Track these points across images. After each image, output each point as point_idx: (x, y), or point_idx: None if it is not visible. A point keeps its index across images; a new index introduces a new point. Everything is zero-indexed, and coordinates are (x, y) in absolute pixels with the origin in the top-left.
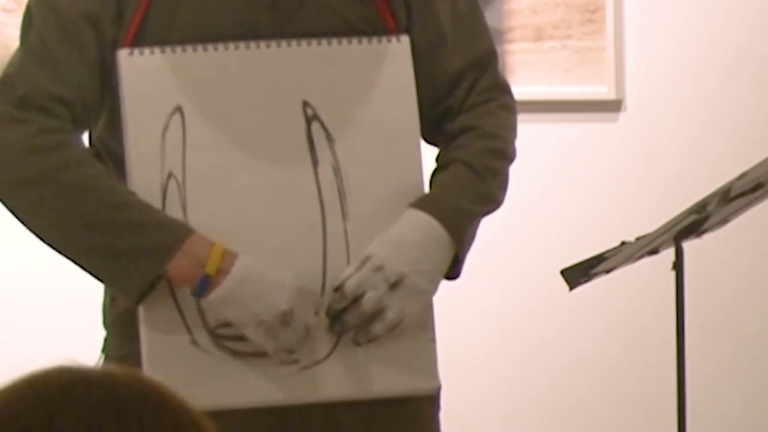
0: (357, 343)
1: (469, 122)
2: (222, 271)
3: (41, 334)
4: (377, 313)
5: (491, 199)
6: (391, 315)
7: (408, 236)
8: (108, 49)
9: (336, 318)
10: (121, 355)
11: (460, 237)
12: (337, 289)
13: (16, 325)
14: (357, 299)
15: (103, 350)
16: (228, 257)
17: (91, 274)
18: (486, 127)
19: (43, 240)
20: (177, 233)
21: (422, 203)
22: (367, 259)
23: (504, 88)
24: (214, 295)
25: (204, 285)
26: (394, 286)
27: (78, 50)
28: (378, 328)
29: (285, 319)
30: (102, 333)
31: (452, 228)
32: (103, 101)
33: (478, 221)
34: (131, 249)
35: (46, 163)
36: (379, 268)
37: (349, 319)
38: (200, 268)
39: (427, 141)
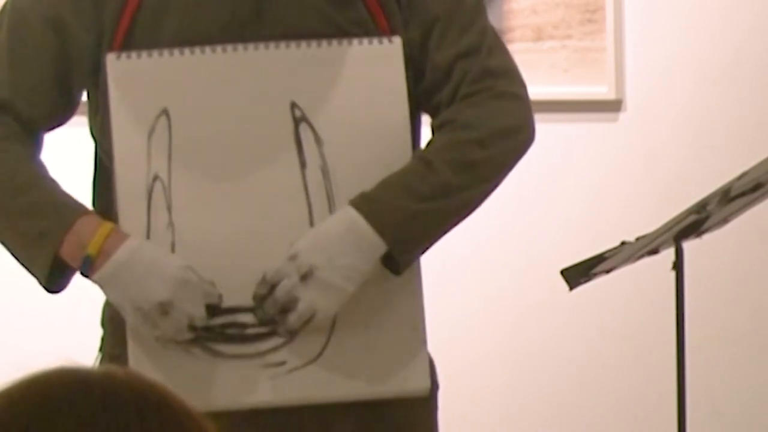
0: (279, 334)
1: (448, 116)
2: (104, 253)
3: (41, 334)
4: (291, 304)
5: (449, 192)
6: (301, 307)
7: (330, 230)
8: (75, 54)
9: (258, 304)
10: (117, 353)
11: (392, 235)
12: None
13: (16, 325)
14: (274, 286)
15: (101, 348)
16: (113, 239)
17: (21, 264)
18: (463, 119)
19: None
20: (69, 214)
21: (356, 200)
22: (290, 247)
23: (500, 75)
24: (95, 277)
25: (86, 266)
26: (305, 277)
27: (36, 53)
28: (291, 319)
29: (162, 308)
30: (100, 333)
31: (380, 226)
32: (66, 106)
33: (441, 215)
34: (32, 233)
35: None
36: (293, 257)
37: (266, 305)
38: (82, 248)
39: None
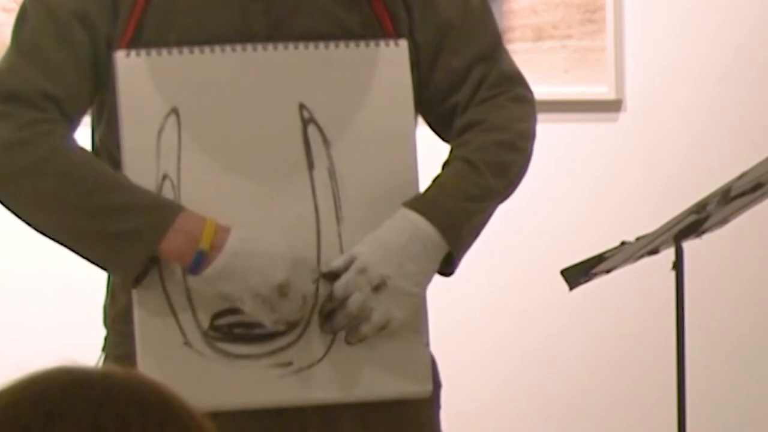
0: (348, 342)
1: (476, 117)
2: (216, 246)
3: (41, 334)
4: (364, 315)
5: (491, 194)
6: (376, 317)
7: (394, 238)
8: (102, 48)
9: (327, 318)
10: (120, 354)
11: (454, 237)
12: (324, 276)
13: (16, 325)
14: (344, 300)
15: (104, 349)
16: (221, 232)
17: (88, 260)
18: (492, 120)
19: (38, 230)
20: (167, 212)
21: (414, 203)
22: (353, 259)
23: (515, 80)
24: (210, 271)
25: (199, 261)
26: (377, 288)
27: (68, 48)
28: (365, 329)
29: (282, 290)
30: (102, 333)
31: (444, 228)
32: (93, 99)
33: (482, 216)
34: (124, 231)
35: (35, 153)
36: (362, 271)
37: (338, 319)
38: (194, 244)
39: (441, 138)
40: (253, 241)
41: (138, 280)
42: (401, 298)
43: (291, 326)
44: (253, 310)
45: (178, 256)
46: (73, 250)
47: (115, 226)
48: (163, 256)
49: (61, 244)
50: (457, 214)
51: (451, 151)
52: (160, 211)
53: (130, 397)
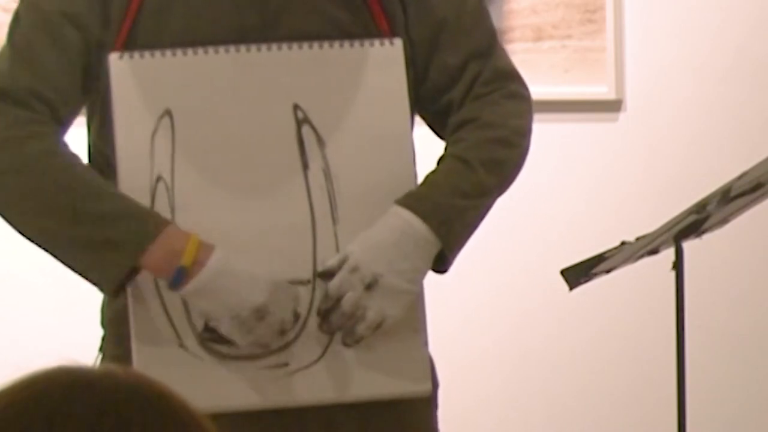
0: (346, 344)
1: (469, 114)
2: (198, 263)
3: (41, 334)
4: (359, 314)
5: (484, 191)
6: (371, 315)
7: (386, 236)
8: (93, 50)
9: (324, 318)
10: (118, 354)
11: (446, 234)
12: (320, 275)
13: (16, 325)
14: (339, 300)
15: (101, 349)
16: (204, 249)
17: (67, 266)
18: (486, 117)
19: (18, 230)
20: (153, 225)
21: (406, 200)
22: (346, 258)
23: (510, 76)
24: (190, 287)
25: (180, 277)
26: (370, 286)
27: (59, 49)
28: (361, 329)
29: (260, 313)
30: (101, 333)
31: (436, 225)
32: (83, 101)
33: (476, 213)
34: (107, 241)
35: (20, 154)
36: (354, 269)
37: (333, 319)
38: (176, 260)
39: (438, 136)
40: (235, 261)
41: (118, 291)
42: (394, 296)
43: (266, 349)
44: (229, 330)
45: (158, 270)
46: (55, 256)
47: (98, 234)
48: (144, 268)
49: (41, 246)
50: (448, 210)
51: (445, 149)
52: (145, 224)
53: (131, 397)
